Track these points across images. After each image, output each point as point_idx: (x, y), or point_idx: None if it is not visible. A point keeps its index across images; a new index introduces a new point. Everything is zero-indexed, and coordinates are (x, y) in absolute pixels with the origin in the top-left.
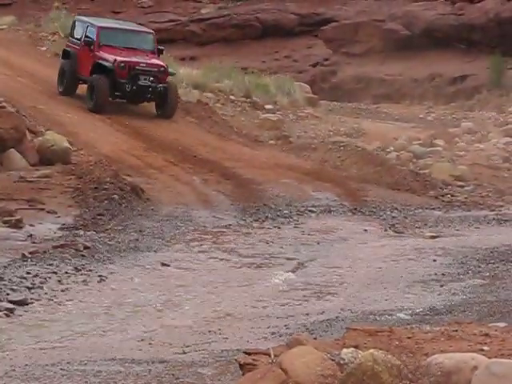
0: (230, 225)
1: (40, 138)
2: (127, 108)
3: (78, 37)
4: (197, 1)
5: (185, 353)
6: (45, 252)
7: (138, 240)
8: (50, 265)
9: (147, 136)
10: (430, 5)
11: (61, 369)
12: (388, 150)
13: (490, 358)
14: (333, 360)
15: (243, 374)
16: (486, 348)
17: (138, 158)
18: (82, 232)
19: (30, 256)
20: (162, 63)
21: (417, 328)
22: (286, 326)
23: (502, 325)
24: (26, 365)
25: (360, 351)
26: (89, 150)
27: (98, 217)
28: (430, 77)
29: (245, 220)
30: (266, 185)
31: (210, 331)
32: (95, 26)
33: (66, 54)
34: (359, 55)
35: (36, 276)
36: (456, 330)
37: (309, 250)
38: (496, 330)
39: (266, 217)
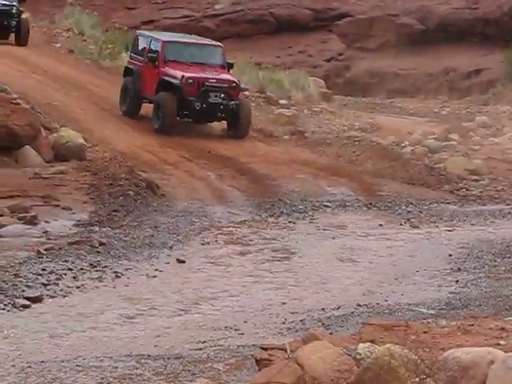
0: (245, 220)
1: (55, 135)
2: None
3: (141, 53)
4: None
5: (201, 349)
6: (60, 248)
7: (153, 236)
8: (65, 261)
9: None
10: None
11: (77, 365)
12: (403, 144)
13: (506, 352)
14: (349, 355)
15: (259, 370)
16: (502, 342)
17: (153, 153)
18: (97, 228)
19: (45, 252)
20: (233, 78)
21: (433, 323)
22: (301, 321)
23: None
24: (42, 361)
25: (376, 346)
26: (104, 146)
27: (113, 213)
28: (445, 71)
29: (260, 215)
30: (280, 180)
31: (225, 327)
32: (159, 41)
33: (128, 72)
34: (373, 50)
35: (51, 272)
36: (472, 325)
37: (324, 245)
38: None
39: (281, 212)
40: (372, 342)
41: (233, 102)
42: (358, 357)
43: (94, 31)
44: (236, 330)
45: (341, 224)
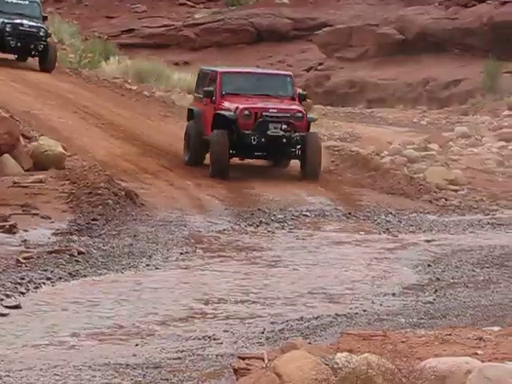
0: (224, 230)
1: (34, 144)
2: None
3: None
4: (191, 6)
5: (179, 358)
6: (39, 257)
7: (132, 245)
8: (44, 270)
9: (141, 141)
10: (423, 9)
11: (55, 374)
12: (382, 154)
13: (483, 361)
14: (327, 364)
15: (237, 379)
16: (479, 352)
17: (132, 162)
18: (76, 237)
19: (24, 261)
20: (298, 108)
21: (411, 332)
22: (280, 330)
23: (496, 329)
24: (21, 370)
25: (354, 355)
26: (83, 155)
27: (92, 222)
28: (424, 81)
29: (239, 225)
30: (259, 189)
31: (204, 336)
32: (217, 72)
33: (190, 114)
34: (353, 59)
35: (30, 281)
36: (450, 334)
37: (303, 255)
38: (490, 334)
39: (261, 221)
40: (350, 351)
41: (297, 134)
42: (335, 366)
43: (74, 40)
44: (215, 339)
45: (320, 233)
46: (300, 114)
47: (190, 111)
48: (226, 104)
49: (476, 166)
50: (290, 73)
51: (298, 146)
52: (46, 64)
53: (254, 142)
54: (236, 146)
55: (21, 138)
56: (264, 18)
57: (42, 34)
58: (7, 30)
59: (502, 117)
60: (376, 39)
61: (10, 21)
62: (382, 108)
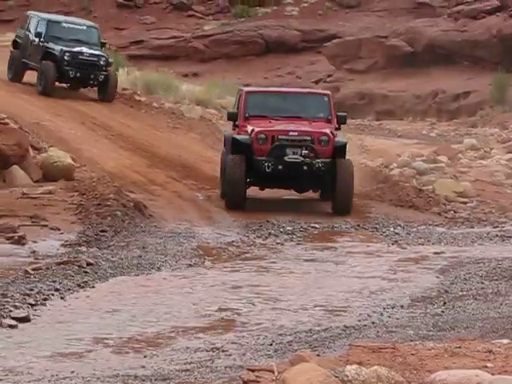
0: (233, 241)
1: (43, 155)
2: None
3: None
4: (200, 17)
5: (188, 370)
6: (48, 269)
7: (140, 257)
8: (52, 281)
9: (150, 152)
10: (432, 21)
11: None
12: (391, 166)
13: (493, 374)
14: (336, 377)
15: None
16: (489, 365)
17: (141, 174)
18: (84, 248)
19: (32, 273)
20: (324, 130)
21: (420, 345)
22: (289, 342)
23: (505, 341)
24: (29, 381)
25: (364, 368)
26: (92, 166)
27: (101, 233)
28: (433, 93)
29: (248, 236)
30: (268, 201)
31: (212, 348)
32: (242, 92)
33: (224, 141)
34: (362, 71)
35: (39, 293)
36: (459, 347)
37: (311, 266)
38: (499, 347)
39: (269, 233)
40: (359, 363)
41: (319, 161)
42: (345, 379)
43: None
44: (223, 351)
45: (328, 246)
46: (325, 138)
47: (224, 138)
48: (249, 128)
49: (485, 178)
50: (328, 92)
51: (316, 173)
52: (106, 95)
53: (268, 170)
54: (249, 175)
55: (30, 149)
56: (273, 29)
57: (102, 62)
58: (66, 58)
59: (511, 129)
60: (385, 51)
61: (68, 49)
62: (391, 120)
